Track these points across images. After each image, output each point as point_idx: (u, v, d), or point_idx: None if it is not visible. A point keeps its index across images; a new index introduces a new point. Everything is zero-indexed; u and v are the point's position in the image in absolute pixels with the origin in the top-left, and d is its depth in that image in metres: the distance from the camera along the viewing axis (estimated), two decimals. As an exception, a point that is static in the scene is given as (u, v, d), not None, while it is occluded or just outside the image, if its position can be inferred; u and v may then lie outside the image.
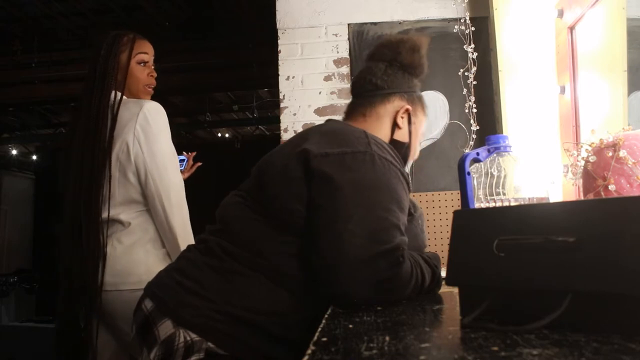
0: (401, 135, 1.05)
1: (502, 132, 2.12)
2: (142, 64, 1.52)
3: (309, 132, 0.96)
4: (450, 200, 2.24)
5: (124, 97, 1.48)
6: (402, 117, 1.04)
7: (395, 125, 1.04)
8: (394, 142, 1.04)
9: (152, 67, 1.55)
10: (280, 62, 2.39)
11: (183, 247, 1.41)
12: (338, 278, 0.76)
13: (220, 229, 0.94)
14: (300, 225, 0.84)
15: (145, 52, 1.53)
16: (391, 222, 0.80)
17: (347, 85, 2.39)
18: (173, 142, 1.51)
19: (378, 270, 0.76)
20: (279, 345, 0.82)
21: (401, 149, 1.04)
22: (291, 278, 0.84)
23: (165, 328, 0.83)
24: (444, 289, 0.93)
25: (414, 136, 1.07)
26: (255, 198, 0.92)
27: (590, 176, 1.16)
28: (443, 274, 1.01)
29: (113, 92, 1.45)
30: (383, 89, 1.05)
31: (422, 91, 2.56)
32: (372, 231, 0.78)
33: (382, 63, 1.08)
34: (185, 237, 1.41)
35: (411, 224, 0.98)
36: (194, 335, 0.81)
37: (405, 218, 0.86)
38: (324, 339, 0.50)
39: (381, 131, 1.03)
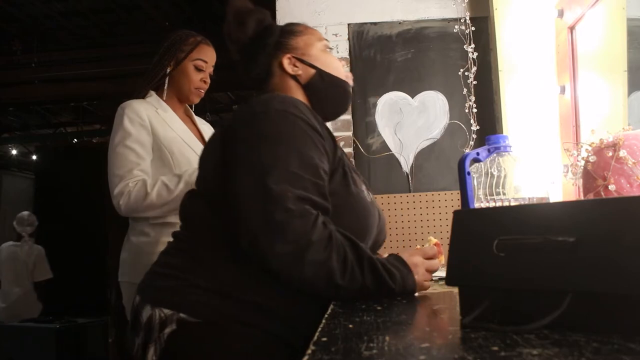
0: (308, 74, 1.06)
1: (502, 132, 2.12)
2: (199, 70, 1.59)
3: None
4: (450, 200, 2.24)
5: (160, 95, 1.59)
6: (292, 65, 1.06)
7: (294, 77, 1.06)
8: (320, 81, 1.06)
9: (208, 75, 1.62)
10: (280, 62, 2.39)
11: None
12: (259, 249, 0.77)
13: (181, 223, 1.00)
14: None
15: (204, 60, 1.59)
16: (284, 168, 0.80)
17: (347, 85, 2.39)
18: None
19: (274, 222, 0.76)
20: (253, 312, 0.83)
21: (329, 80, 1.06)
22: (225, 241, 0.86)
23: (146, 312, 0.86)
24: (444, 289, 0.92)
25: (318, 62, 1.07)
26: (199, 186, 0.99)
27: (590, 176, 1.16)
28: (438, 273, 1.00)
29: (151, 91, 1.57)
30: (261, 69, 1.08)
31: (421, 91, 2.54)
32: (265, 182, 0.78)
33: (239, 54, 1.11)
34: (158, 207, 1.43)
35: (353, 199, 0.92)
36: (167, 311, 0.83)
37: (309, 163, 0.83)
38: (324, 339, 0.50)
39: (293, 90, 1.06)
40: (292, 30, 1.11)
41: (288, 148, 0.83)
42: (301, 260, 0.76)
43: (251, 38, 1.08)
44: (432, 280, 1.11)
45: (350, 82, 1.12)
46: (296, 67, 1.07)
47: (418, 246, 1.08)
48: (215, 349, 0.81)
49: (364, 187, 0.98)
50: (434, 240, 1.21)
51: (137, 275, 1.44)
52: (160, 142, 1.49)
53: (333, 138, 0.93)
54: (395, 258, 0.86)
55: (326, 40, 1.12)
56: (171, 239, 0.99)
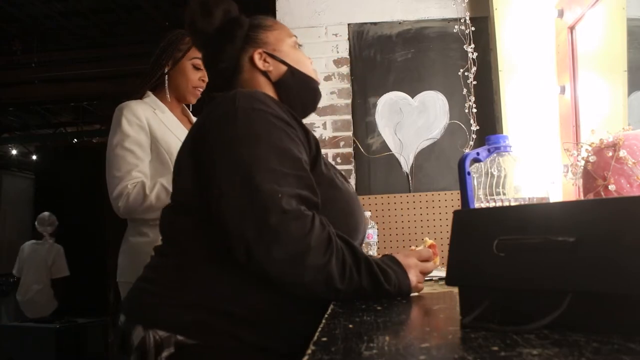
0: (279, 70, 1.02)
1: (502, 132, 2.12)
2: (196, 68, 1.59)
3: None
4: (450, 200, 2.24)
5: (158, 95, 1.59)
6: (263, 61, 1.02)
7: (265, 73, 1.01)
8: (291, 78, 1.02)
9: (206, 73, 1.61)
10: (280, 62, 2.39)
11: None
12: (254, 257, 0.75)
13: (162, 237, 0.97)
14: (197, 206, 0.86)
15: (201, 58, 1.58)
16: (265, 168, 0.77)
17: (347, 85, 2.39)
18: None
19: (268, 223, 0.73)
20: (251, 328, 0.80)
21: (300, 78, 1.03)
22: (218, 257, 0.83)
23: (137, 334, 0.82)
24: (444, 289, 0.92)
25: (289, 59, 1.03)
26: (172, 198, 0.96)
27: (590, 176, 1.16)
28: (436, 272, 1.00)
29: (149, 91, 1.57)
30: (228, 62, 1.03)
31: (421, 91, 2.54)
32: (251, 189, 0.76)
33: (204, 47, 1.07)
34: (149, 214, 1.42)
35: (332, 193, 0.90)
36: (162, 333, 0.80)
37: (290, 157, 0.81)
38: (324, 339, 0.50)
39: (263, 87, 1.01)
40: (262, 24, 1.06)
41: (264, 146, 0.80)
42: (301, 265, 0.74)
43: (217, 29, 1.02)
44: (430, 280, 1.11)
45: (319, 81, 1.09)
46: (267, 62, 1.02)
47: (412, 247, 1.07)
48: None
49: (342, 179, 0.96)
50: (430, 242, 1.21)
51: (135, 276, 1.45)
52: (158, 143, 1.49)
53: (303, 127, 0.90)
54: (390, 259, 0.85)
55: (295, 36, 1.09)
56: None
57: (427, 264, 0.89)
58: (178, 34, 1.60)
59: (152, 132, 1.49)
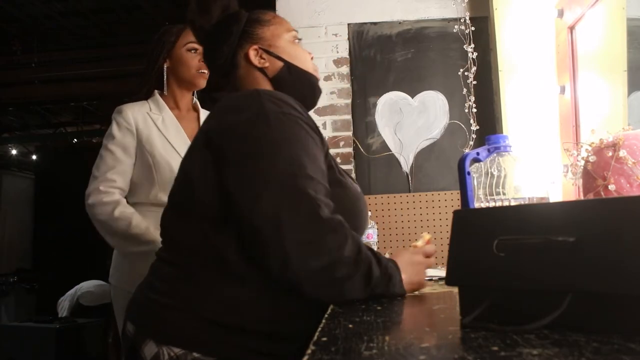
0: (275, 66, 1.01)
1: (502, 132, 2.12)
2: (193, 51, 1.57)
3: (208, 117, 0.94)
4: (450, 200, 2.24)
5: (163, 93, 1.59)
6: (259, 57, 1.01)
7: (261, 69, 1.00)
8: (288, 74, 1.01)
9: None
10: (280, 62, 2.39)
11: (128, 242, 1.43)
12: (291, 268, 0.73)
13: (166, 242, 0.93)
14: (213, 212, 0.83)
15: (194, 41, 1.56)
16: (305, 174, 0.76)
17: (347, 85, 2.39)
18: None
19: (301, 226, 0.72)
20: (264, 340, 0.79)
21: (297, 74, 1.01)
22: (237, 268, 0.80)
23: (150, 349, 0.80)
24: (444, 289, 0.93)
25: (286, 54, 1.02)
26: (177, 200, 0.92)
27: (590, 176, 1.16)
28: (436, 272, 1.00)
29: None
30: (225, 58, 1.02)
31: (421, 91, 2.54)
32: (285, 191, 0.74)
33: (203, 42, 1.06)
34: (124, 236, 1.43)
35: (341, 192, 0.89)
36: (177, 350, 0.78)
37: (318, 165, 0.81)
38: (324, 339, 0.50)
39: (260, 83, 1.00)
40: (259, 19, 1.04)
41: (300, 151, 0.78)
42: (330, 276, 0.73)
43: (215, 25, 1.01)
44: (430, 280, 1.11)
45: (318, 76, 1.07)
46: (263, 59, 1.00)
47: (414, 243, 1.07)
48: None
49: (349, 178, 0.96)
50: (428, 237, 1.20)
51: (121, 279, 1.49)
52: (143, 145, 1.49)
53: (318, 130, 0.89)
54: (394, 264, 0.85)
55: (295, 30, 1.06)
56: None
57: (430, 260, 0.91)
58: (163, 30, 1.60)
59: (138, 134, 1.49)
